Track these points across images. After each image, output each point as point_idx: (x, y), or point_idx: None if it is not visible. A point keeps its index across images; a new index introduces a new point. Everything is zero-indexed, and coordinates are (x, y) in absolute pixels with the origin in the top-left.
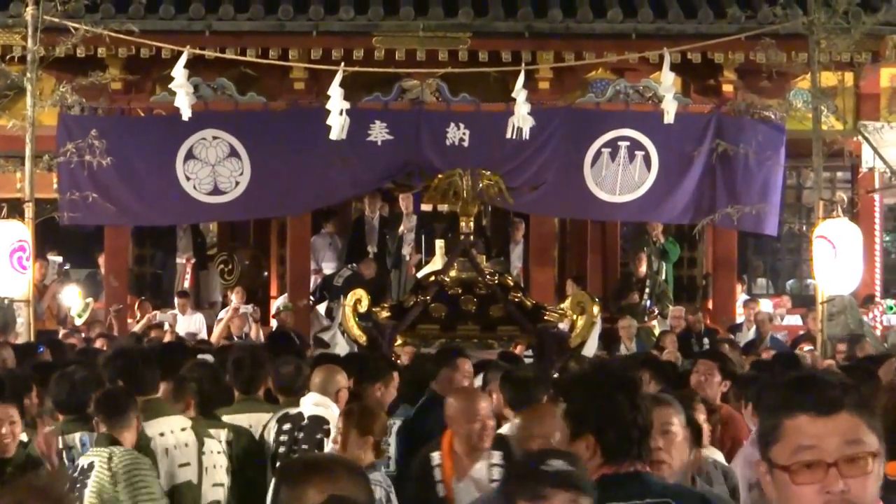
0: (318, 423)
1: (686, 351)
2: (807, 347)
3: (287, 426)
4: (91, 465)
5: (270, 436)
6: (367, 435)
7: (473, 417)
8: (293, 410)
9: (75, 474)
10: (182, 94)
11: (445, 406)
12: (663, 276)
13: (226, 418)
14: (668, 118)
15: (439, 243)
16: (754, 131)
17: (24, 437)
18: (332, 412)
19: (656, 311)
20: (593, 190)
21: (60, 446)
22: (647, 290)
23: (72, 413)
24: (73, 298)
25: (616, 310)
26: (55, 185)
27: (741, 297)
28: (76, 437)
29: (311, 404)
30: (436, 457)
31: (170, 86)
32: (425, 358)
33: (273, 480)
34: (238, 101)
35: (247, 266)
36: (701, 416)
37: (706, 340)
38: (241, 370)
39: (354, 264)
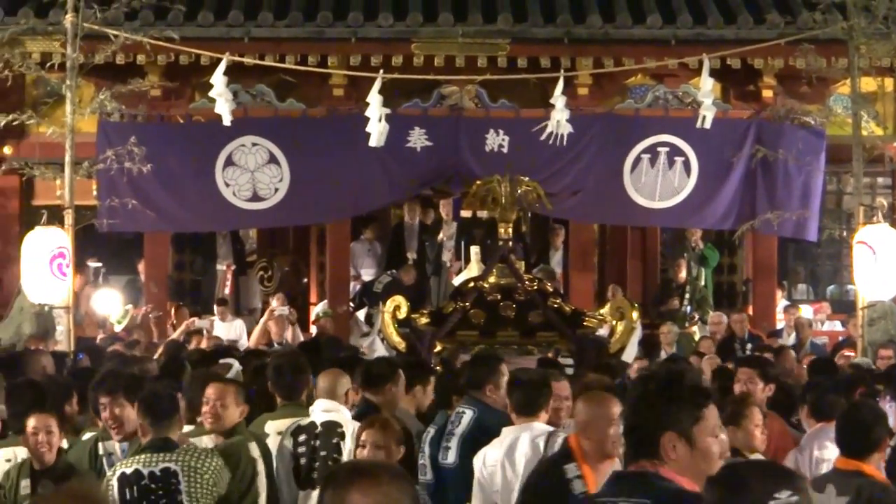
0: (332, 427)
1: (729, 356)
2: (848, 353)
3: (302, 437)
4: (169, 472)
5: (286, 450)
6: (400, 445)
7: (610, 422)
8: (304, 420)
9: (147, 482)
10: (222, 101)
11: (575, 411)
12: (703, 282)
13: (269, 424)
14: (706, 123)
15: (474, 249)
16: (794, 137)
17: (64, 444)
18: (342, 415)
19: (697, 317)
20: (633, 196)
21: (101, 452)
22: (686, 296)
23: None
24: (111, 304)
25: (656, 315)
26: (95, 192)
27: (781, 302)
28: (115, 443)
29: (321, 411)
30: (572, 468)
31: (210, 94)
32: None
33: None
34: (277, 107)
35: (286, 272)
36: (755, 423)
37: (749, 346)
38: (281, 376)
39: (394, 271)
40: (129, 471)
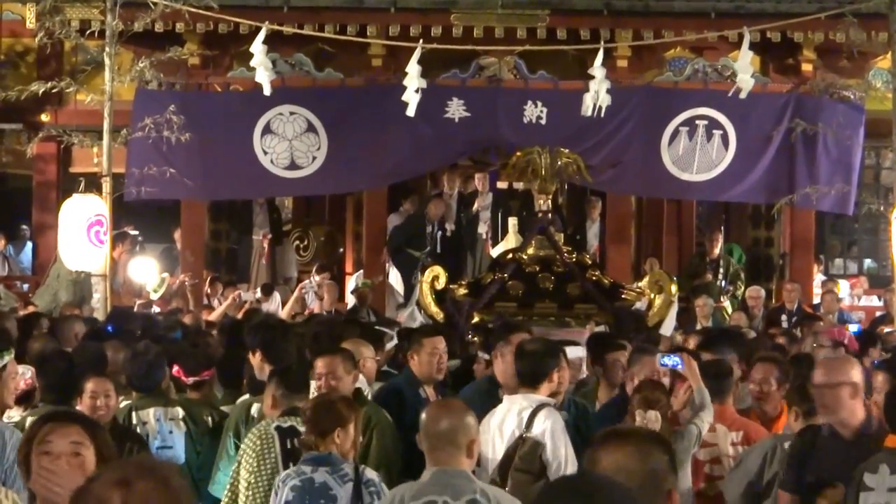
0: None
1: (776, 328)
2: (886, 329)
3: None
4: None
5: None
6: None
7: None
8: None
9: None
10: (262, 70)
11: None
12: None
13: None
14: (741, 95)
15: (512, 221)
16: (833, 111)
17: None
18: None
19: (731, 291)
20: (670, 168)
21: (134, 422)
22: (721, 271)
23: (145, 390)
24: (148, 273)
25: (689, 290)
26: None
27: (818, 277)
28: (150, 412)
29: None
30: None
31: (250, 63)
32: None
33: None
34: (315, 77)
35: (322, 242)
36: None
37: (794, 320)
38: (319, 343)
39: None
40: (285, 425)
